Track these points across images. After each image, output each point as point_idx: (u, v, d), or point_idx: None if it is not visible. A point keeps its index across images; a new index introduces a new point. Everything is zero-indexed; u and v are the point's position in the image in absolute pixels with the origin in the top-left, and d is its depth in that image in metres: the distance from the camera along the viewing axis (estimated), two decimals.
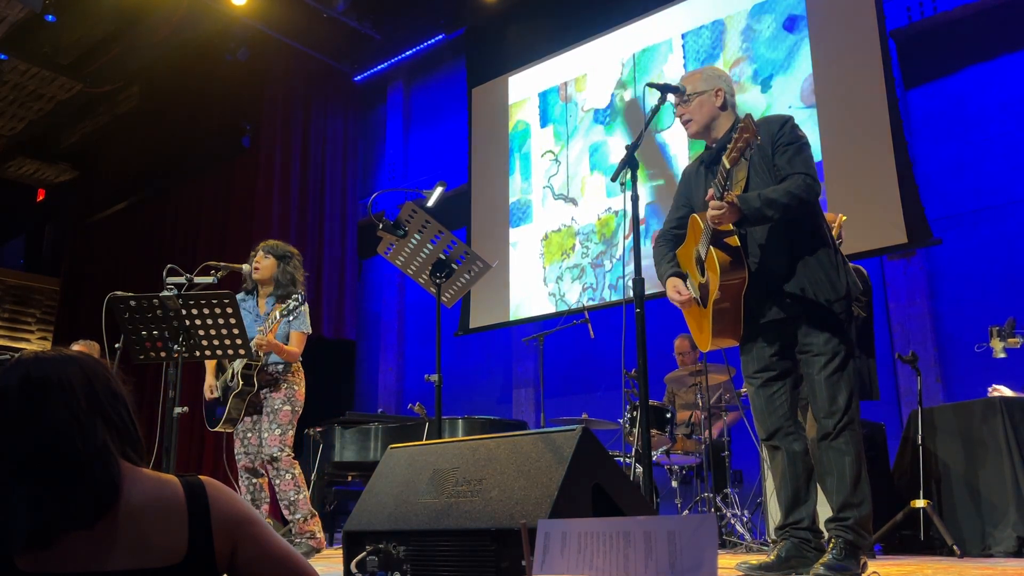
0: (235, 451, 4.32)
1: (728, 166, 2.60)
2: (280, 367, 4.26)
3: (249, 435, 4.27)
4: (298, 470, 4.22)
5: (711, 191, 2.69)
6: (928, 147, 5.96)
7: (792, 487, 2.83)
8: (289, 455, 4.20)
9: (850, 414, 2.69)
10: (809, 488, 2.84)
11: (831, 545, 2.63)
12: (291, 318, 4.21)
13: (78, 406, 1.12)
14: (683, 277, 2.96)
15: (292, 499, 4.15)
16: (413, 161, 9.39)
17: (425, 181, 8.78)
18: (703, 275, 2.81)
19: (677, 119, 3.04)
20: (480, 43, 8.71)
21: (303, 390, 4.35)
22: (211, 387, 4.35)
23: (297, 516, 4.14)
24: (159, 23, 8.74)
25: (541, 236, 7.78)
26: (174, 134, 9.96)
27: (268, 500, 4.41)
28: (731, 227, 2.74)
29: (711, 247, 2.74)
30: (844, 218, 4.02)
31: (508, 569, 2.01)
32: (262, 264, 4.37)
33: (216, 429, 4.27)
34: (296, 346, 4.27)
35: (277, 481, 4.17)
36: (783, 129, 2.82)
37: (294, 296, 4.10)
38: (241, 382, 4.14)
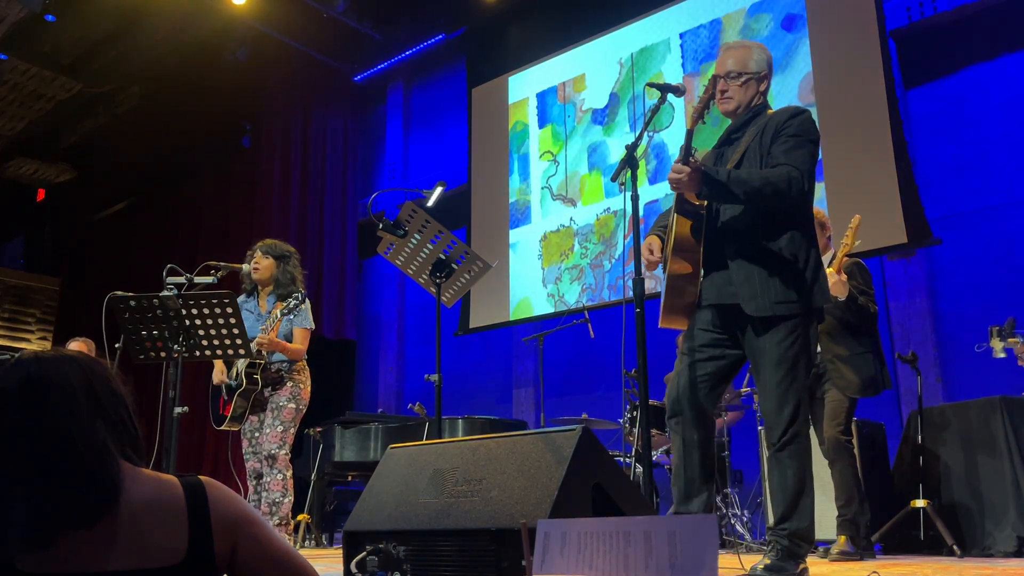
0: (243, 451, 4.30)
1: (688, 126, 2.59)
2: (285, 365, 4.25)
3: (257, 435, 4.25)
4: (290, 473, 4.18)
5: (679, 156, 2.61)
6: (928, 147, 5.95)
7: (685, 478, 2.70)
8: (287, 455, 4.17)
9: (796, 426, 2.62)
10: (705, 482, 2.70)
11: (770, 548, 2.64)
12: (292, 315, 4.21)
13: (78, 406, 1.12)
14: (664, 241, 2.86)
15: (277, 501, 4.09)
16: (413, 161, 9.38)
17: (425, 181, 8.78)
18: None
19: (718, 97, 2.84)
20: (480, 43, 8.71)
21: (309, 389, 4.33)
22: (221, 370, 4.32)
23: (275, 519, 4.05)
24: (159, 23, 8.74)
25: (540, 237, 7.78)
26: (174, 134, 9.95)
27: None
28: (696, 199, 2.67)
29: (675, 214, 2.70)
30: (859, 218, 3.96)
31: (508, 569, 2.01)
32: (261, 264, 4.37)
33: (222, 428, 4.26)
34: (300, 343, 4.26)
35: (268, 479, 4.12)
36: (791, 120, 2.70)
37: (295, 295, 4.11)
38: (244, 381, 4.14)
